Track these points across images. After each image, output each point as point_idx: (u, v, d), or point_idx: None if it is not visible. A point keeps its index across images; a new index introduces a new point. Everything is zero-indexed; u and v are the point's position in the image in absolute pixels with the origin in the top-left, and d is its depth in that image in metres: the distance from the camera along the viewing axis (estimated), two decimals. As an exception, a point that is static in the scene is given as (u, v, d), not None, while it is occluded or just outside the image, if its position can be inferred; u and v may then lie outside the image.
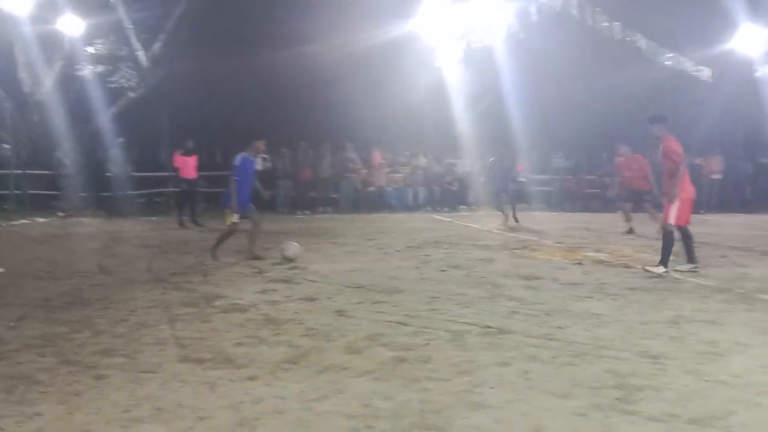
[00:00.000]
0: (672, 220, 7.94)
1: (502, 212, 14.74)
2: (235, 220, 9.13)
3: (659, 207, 12.34)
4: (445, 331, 5.32)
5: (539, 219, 16.25)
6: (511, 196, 15.17)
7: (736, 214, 18.40)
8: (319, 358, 4.59)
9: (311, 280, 7.66)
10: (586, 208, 19.86)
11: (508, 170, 16.01)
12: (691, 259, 8.28)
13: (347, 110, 19.81)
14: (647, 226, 12.31)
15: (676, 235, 8.09)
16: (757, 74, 19.55)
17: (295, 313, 5.98)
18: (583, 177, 20.94)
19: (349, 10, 18.44)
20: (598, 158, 21.16)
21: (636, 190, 12.75)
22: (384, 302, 6.44)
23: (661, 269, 7.85)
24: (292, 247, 9.24)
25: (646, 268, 7.97)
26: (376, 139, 20.35)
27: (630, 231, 12.62)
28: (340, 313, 5.98)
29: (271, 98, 20.25)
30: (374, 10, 18.24)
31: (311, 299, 6.59)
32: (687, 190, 8.05)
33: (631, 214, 12.86)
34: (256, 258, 9.20)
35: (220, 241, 9.31)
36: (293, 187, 18.56)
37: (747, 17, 18.77)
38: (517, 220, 14.63)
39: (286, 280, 7.66)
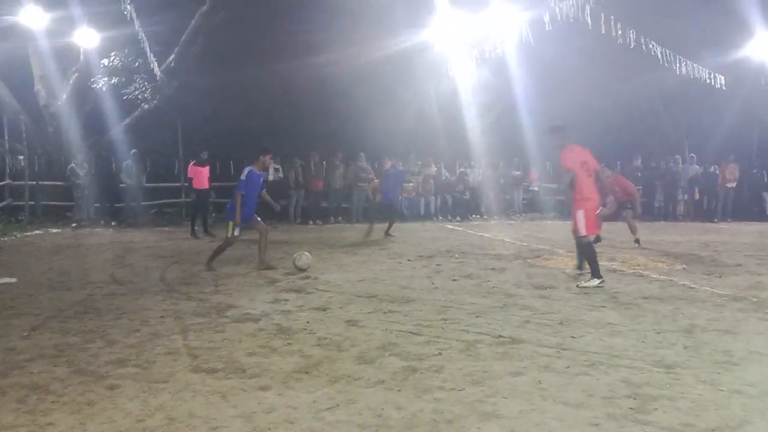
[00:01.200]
0: (583, 231, 7.90)
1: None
2: (236, 234, 9.19)
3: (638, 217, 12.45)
4: (458, 341, 5.29)
5: (552, 228, 16.18)
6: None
7: (752, 222, 18.23)
8: (331, 368, 4.58)
9: (323, 290, 7.66)
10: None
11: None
12: (579, 266, 8.51)
13: (359, 120, 19.88)
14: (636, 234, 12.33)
15: (586, 240, 7.99)
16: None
17: (307, 322, 5.98)
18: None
19: (362, 20, 18.54)
20: (612, 167, 21.07)
21: (620, 202, 12.72)
22: (396, 312, 6.42)
23: (595, 282, 7.77)
24: (304, 257, 9.25)
25: (580, 285, 7.82)
26: (388, 148, 20.41)
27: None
28: (351, 322, 5.97)
29: (284, 109, 20.38)
30: (387, 21, 18.32)
31: (323, 309, 6.58)
32: (590, 199, 7.92)
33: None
34: (268, 268, 9.23)
35: (217, 252, 9.39)
36: (305, 197, 18.60)
37: (762, 24, 18.66)
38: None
39: (298, 290, 7.66)
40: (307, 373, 4.47)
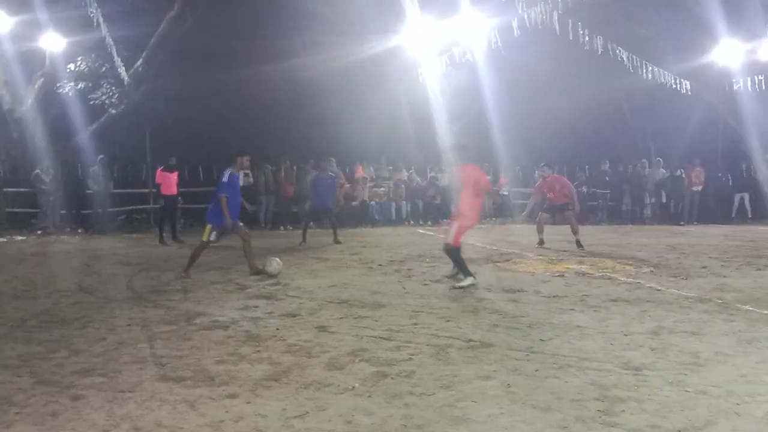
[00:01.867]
0: (450, 240, 8.38)
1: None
2: (212, 238, 9.08)
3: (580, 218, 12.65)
4: (428, 345, 5.30)
5: (522, 232, 16.30)
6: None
7: (717, 225, 18.57)
8: (301, 375, 4.55)
9: (293, 296, 7.61)
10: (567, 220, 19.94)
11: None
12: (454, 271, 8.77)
13: (330, 125, 19.84)
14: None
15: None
16: (736, 87, 19.80)
17: (277, 329, 5.93)
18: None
19: (333, 26, 18.53)
20: (581, 171, 21.38)
21: (559, 205, 12.90)
22: (366, 317, 6.41)
23: (469, 280, 8.15)
24: (274, 263, 9.19)
25: (455, 286, 8.15)
26: (359, 153, 20.40)
27: (541, 242, 12.78)
28: (322, 328, 5.94)
29: (254, 114, 20.23)
30: (358, 26, 18.33)
31: (293, 315, 6.54)
32: (469, 218, 8.50)
33: (543, 226, 12.96)
34: (258, 272, 9.12)
35: (193, 259, 9.19)
36: (276, 203, 18.50)
37: (725, 31, 19.06)
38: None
39: (268, 297, 7.60)
40: (276, 380, 4.44)
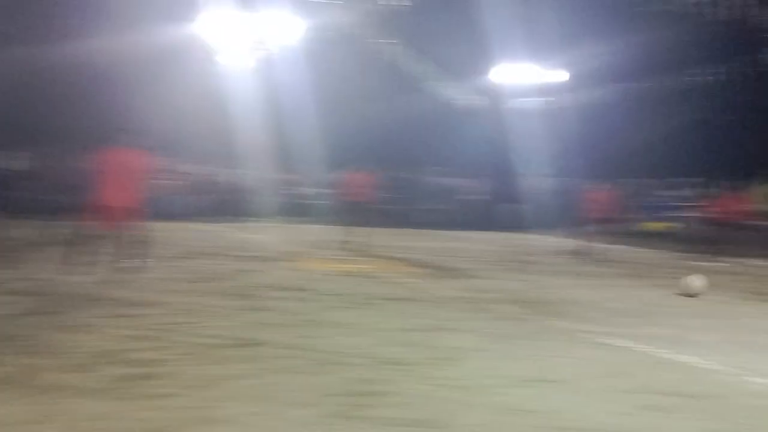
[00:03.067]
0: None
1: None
2: None
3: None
4: (192, 345, 5.07)
5: (313, 231, 16.45)
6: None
7: (483, 231, 20.00)
8: (40, 378, 4.11)
9: (48, 293, 6.87)
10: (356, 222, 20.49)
11: None
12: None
13: (118, 114, 18.48)
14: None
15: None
16: (514, 105, 21.84)
17: (17, 326, 5.33)
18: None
19: (120, 8, 17.31)
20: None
21: (358, 203, 13.34)
22: (130, 316, 5.99)
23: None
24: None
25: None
26: (149, 145, 19.26)
27: (343, 243, 13.13)
28: (74, 328, 5.42)
29: (31, 99, 18.22)
30: (150, 11, 17.29)
31: (42, 313, 5.91)
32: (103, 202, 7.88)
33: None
34: None
35: None
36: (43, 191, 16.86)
37: (502, 54, 20.90)
38: None
39: (25, 293, 6.81)
40: (8, 383, 3.97)
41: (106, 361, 4.55)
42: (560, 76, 23.12)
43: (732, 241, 13.49)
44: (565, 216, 16.68)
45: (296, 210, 20.78)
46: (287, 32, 18.53)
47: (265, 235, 15.17)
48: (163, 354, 4.79)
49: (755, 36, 15.18)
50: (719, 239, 13.44)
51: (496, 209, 22.40)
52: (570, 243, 14.44)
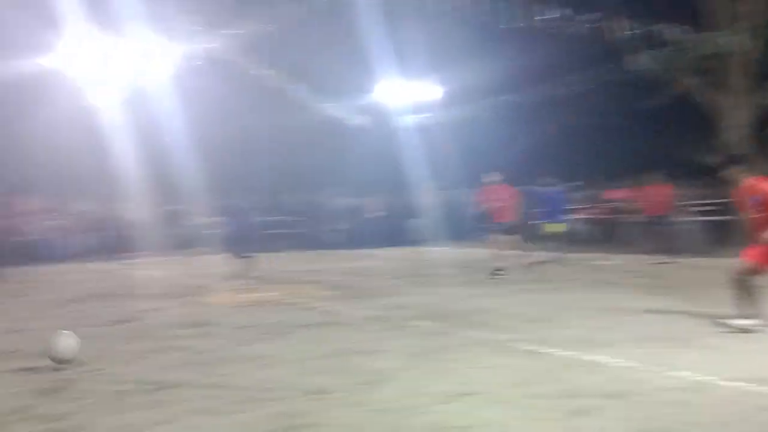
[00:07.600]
0: None
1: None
2: None
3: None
4: (105, 393, 4.79)
5: (211, 262, 15.98)
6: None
7: (396, 248, 20.18)
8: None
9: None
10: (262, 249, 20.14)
11: None
12: None
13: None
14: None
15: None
16: (401, 122, 22.27)
17: None
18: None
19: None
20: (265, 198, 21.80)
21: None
22: (35, 368, 5.58)
23: None
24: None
25: None
26: (21, 184, 18.11)
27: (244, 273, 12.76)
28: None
29: None
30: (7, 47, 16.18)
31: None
32: None
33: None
34: None
35: None
36: None
37: (384, 73, 21.38)
38: None
39: None
40: None
41: (18, 418, 4.22)
42: (435, 92, 24.05)
43: (623, 239, 14.19)
44: (464, 226, 17.07)
45: (189, 242, 20.10)
46: (156, 63, 18.01)
47: (164, 270, 14.61)
48: (74, 406, 4.50)
49: (613, 46, 16.38)
50: (611, 238, 14.11)
51: (398, 225, 22.64)
52: (482, 253, 13.83)
